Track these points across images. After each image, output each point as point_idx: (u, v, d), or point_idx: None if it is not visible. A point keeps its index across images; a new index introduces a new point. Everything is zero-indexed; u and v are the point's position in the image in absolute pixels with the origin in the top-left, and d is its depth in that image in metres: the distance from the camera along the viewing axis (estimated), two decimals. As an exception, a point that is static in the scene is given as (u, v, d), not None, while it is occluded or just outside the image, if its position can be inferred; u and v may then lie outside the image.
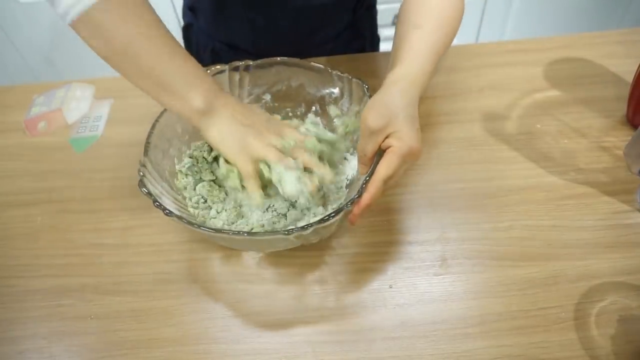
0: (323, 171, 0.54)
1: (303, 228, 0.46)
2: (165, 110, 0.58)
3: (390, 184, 0.50)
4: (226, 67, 0.61)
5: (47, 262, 0.60)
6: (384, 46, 0.93)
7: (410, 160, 0.50)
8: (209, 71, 0.60)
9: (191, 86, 0.51)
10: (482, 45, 0.86)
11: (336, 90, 0.62)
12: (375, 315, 0.53)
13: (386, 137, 0.49)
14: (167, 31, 0.51)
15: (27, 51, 1.68)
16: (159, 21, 0.51)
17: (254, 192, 0.53)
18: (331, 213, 0.46)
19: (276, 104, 0.66)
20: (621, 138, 0.67)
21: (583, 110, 0.71)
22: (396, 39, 0.57)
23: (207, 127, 0.52)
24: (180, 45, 0.52)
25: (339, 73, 0.60)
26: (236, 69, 0.62)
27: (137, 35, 0.48)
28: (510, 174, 0.64)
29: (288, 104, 0.66)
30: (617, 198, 0.61)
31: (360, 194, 0.48)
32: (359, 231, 0.60)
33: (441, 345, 0.50)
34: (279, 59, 0.62)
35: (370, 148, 0.50)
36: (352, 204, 0.47)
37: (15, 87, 0.86)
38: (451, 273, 0.56)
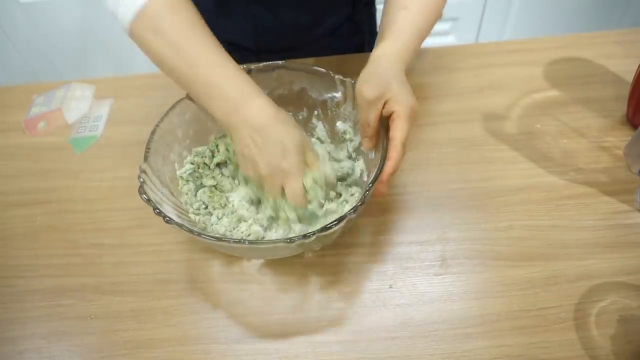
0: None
1: (305, 236, 0.45)
2: (166, 114, 0.57)
3: (406, 148, 0.51)
4: None
5: (47, 262, 0.60)
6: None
7: (414, 121, 0.51)
8: None
9: (212, 100, 0.51)
10: (482, 45, 0.86)
11: (339, 95, 0.62)
12: (375, 315, 0.53)
13: (385, 105, 0.51)
14: (203, 34, 0.51)
15: (27, 51, 1.68)
16: (195, 25, 0.51)
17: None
18: (334, 221, 0.46)
19: None
20: (621, 138, 0.67)
21: (583, 110, 0.71)
22: (383, 19, 0.59)
23: (232, 139, 0.53)
24: (215, 49, 0.52)
25: (341, 77, 0.60)
26: None
27: (169, 46, 0.50)
28: (510, 174, 0.64)
29: (290, 108, 0.65)
30: (617, 198, 0.61)
31: (369, 189, 0.48)
32: (359, 231, 0.60)
33: (441, 345, 0.50)
34: (280, 62, 0.62)
35: (373, 117, 0.52)
36: (355, 212, 0.46)
37: (15, 87, 0.86)
38: (451, 273, 0.56)
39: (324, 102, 0.64)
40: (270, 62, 0.62)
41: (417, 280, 0.55)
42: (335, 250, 0.58)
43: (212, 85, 0.50)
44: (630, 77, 0.68)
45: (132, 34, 0.51)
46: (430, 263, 0.57)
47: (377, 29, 0.95)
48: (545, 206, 0.61)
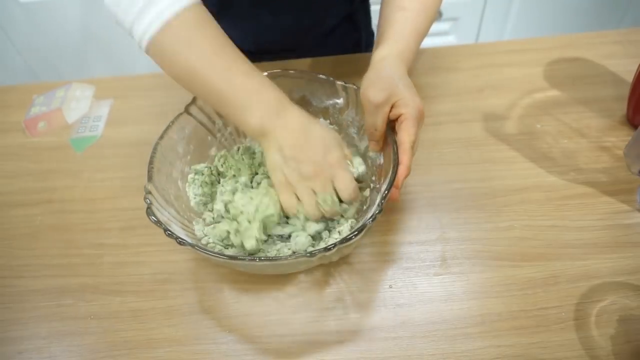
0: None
1: (326, 249, 0.44)
2: (165, 131, 0.56)
3: (415, 150, 0.51)
4: None
5: (47, 262, 0.60)
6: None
7: (421, 122, 0.52)
8: None
9: (247, 106, 0.49)
10: (482, 45, 0.86)
11: (340, 101, 0.61)
12: (375, 315, 0.53)
13: (391, 108, 0.51)
14: (229, 46, 0.51)
15: (27, 51, 1.68)
16: (218, 38, 0.50)
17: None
18: (354, 232, 0.45)
19: None
20: (621, 138, 0.67)
21: (583, 110, 0.71)
22: (381, 21, 0.59)
23: (265, 149, 0.51)
24: (241, 59, 0.51)
25: (343, 83, 0.58)
26: None
27: (197, 57, 0.49)
28: (510, 174, 0.64)
29: None
30: (617, 198, 0.61)
31: (386, 196, 0.48)
32: (359, 231, 0.60)
33: (441, 345, 0.50)
34: (279, 71, 0.61)
35: (380, 121, 0.52)
36: (374, 219, 0.45)
37: (15, 87, 0.86)
38: (451, 273, 0.56)
39: (326, 108, 0.63)
40: (269, 71, 0.60)
41: (417, 280, 0.55)
42: (336, 250, 0.58)
43: (252, 92, 0.49)
44: (630, 77, 0.68)
45: (155, 48, 0.49)
46: (430, 263, 0.57)
47: (373, 27, 0.96)
48: (545, 206, 0.61)
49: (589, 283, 0.53)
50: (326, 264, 0.55)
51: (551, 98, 0.74)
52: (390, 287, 0.55)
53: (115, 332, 0.54)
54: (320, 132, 0.50)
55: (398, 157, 0.50)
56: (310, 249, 0.53)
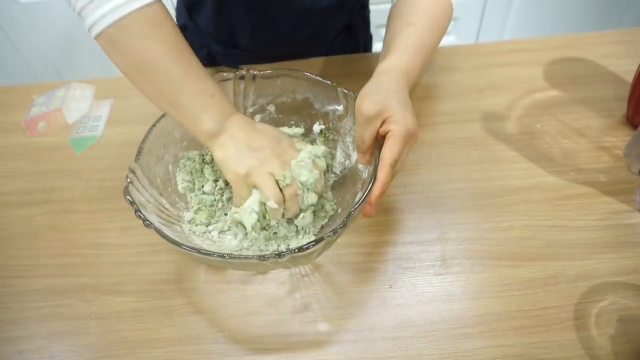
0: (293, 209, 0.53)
1: (279, 255, 0.44)
2: (163, 114, 0.57)
3: (397, 169, 0.50)
4: (232, 75, 0.60)
5: (47, 262, 0.60)
6: (378, 46, 0.93)
7: (410, 142, 0.51)
8: (215, 75, 0.59)
9: (203, 108, 0.50)
10: (482, 45, 0.86)
11: (340, 108, 0.60)
12: (375, 315, 0.53)
13: (383, 123, 0.50)
14: (187, 49, 0.51)
15: (27, 51, 1.68)
16: (178, 38, 0.50)
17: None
18: (311, 242, 0.44)
19: (280, 116, 0.65)
20: (621, 138, 0.67)
21: (583, 110, 0.72)
22: (388, 35, 0.58)
23: (215, 147, 0.51)
24: (198, 64, 0.51)
25: (344, 91, 0.58)
26: (242, 77, 0.61)
27: (155, 54, 0.48)
28: (510, 174, 0.64)
29: (292, 116, 0.64)
30: (617, 198, 0.61)
31: (354, 210, 0.47)
32: (359, 231, 0.60)
33: (441, 345, 0.50)
34: (285, 70, 0.60)
35: (369, 135, 0.51)
36: (334, 233, 0.45)
37: (15, 87, 0.86)
38: (451, 273, 0.56)
39: (326, 114, 0.62)
40: (275, 70, 0.61)
41: (417, 280, 0.55)
42: (335, 251, 0.58)
43: (206, 95, 0.50)
44: (630, 77, 0.68)
45: (108, 37, 0.48)
46: (430, 263, 0.57)
47: (371, 32, 0.96)
48: (545, 206, 0.61)
49: (589, 283, 0.54)
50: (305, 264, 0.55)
51: (551, 98, 0.74)
52: (390, 287, 0.55)
53: (115, 332, 0.54)
54: (267, 128, 0.54)
55: (376, 174, 0.49)
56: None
